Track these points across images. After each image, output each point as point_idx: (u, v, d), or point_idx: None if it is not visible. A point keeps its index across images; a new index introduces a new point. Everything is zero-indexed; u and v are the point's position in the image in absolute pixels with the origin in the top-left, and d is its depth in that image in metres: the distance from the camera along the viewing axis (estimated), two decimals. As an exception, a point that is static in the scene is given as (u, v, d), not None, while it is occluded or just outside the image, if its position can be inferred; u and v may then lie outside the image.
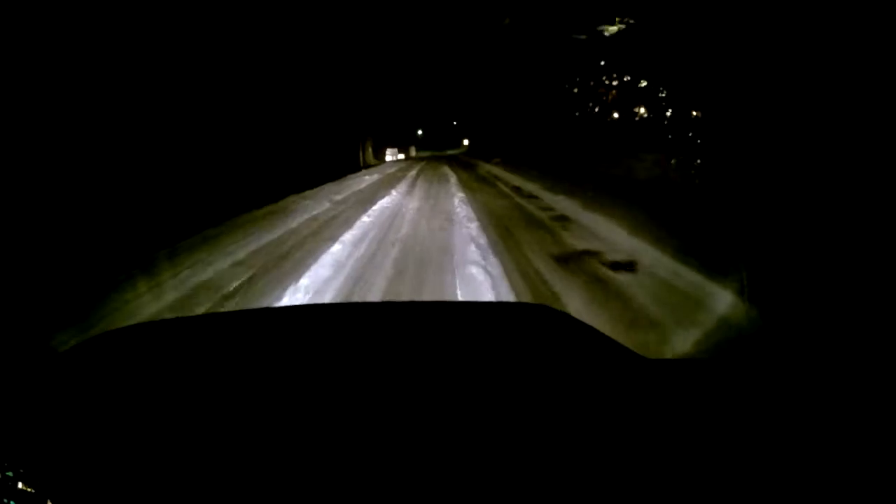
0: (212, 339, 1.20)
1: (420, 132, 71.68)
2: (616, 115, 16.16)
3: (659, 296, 4.08)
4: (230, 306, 4.27)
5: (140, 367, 1.01)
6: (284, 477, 0.66)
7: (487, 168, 22.79)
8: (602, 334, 1.12)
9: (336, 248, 6.28)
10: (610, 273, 4.80)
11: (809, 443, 0.72)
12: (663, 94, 12.67)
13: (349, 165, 23.29)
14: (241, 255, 6.07)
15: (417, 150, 62.24)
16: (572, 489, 0.64)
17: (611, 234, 6.48)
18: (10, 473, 0.62)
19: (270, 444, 0.73)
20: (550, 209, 8.96)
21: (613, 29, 15.74)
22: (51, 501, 0.61)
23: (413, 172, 21.15)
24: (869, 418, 0.77)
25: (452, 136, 71.13)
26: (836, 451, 0.70)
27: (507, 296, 4.13)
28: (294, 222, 8.48)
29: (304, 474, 0.67)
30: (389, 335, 1.15)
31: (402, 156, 44.88)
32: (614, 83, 17.02)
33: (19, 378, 0.97)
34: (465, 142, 70.63)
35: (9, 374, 0.98)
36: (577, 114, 20.58)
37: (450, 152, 62.59)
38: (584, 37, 16.54)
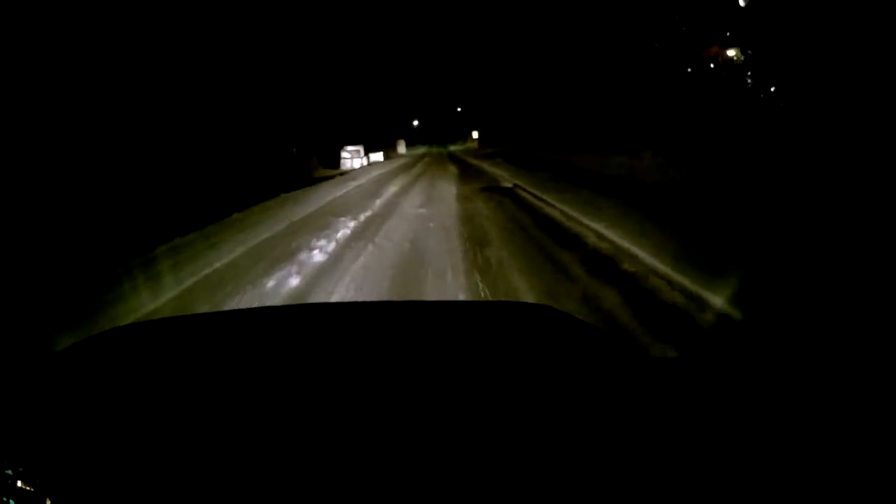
0: (211, 338, 1.21)
1: (416, 123, 59.81)
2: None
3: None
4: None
5: (139, 367, 1.03)
6: (284, 477, 0.67)
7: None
8: (604, 333, 1.15)
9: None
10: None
11: (808, 443, 0.73)
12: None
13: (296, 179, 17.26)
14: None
15: (409, 146, 50.03)
16: (576, 488, 0.65)
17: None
18: (9, 472, 0.63)
19: (270, 444, 0.73)
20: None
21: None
22: (50, 500, 0.62)
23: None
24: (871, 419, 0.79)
25: (457, 126, 58.75)
26: (836, 452, 0.72)
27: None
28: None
29: (304, 474, 0.68)
30: (391, 335, 1.15)
31: (369, 158, 29.31)
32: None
33: (19, 377, 0.99)
34: (475, 134, 56.50)
35: (8, 374, 1.00)
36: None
37: (452, 148, 50.63)
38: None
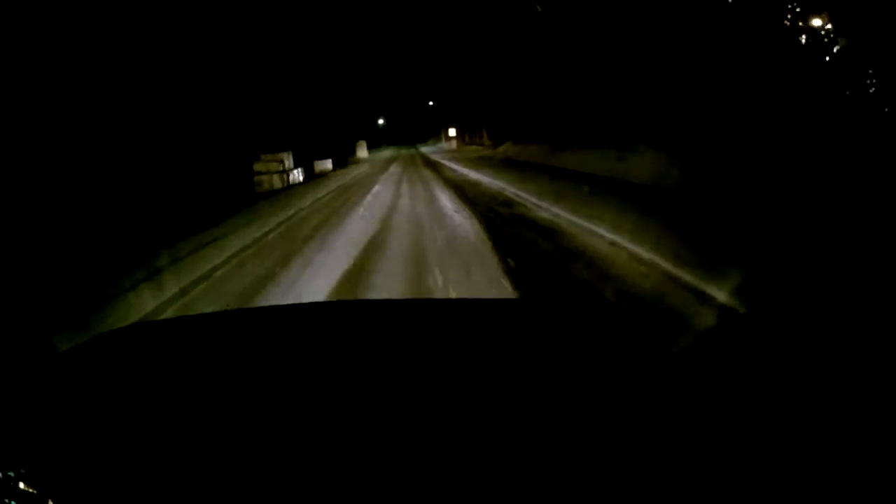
0: (212, 338, 1.21)
1: (381, 121, 54.23)
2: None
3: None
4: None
5: (140, 368, 1.02)
6: (286, 477, 0.67)
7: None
8: (606, 330, 1.15)
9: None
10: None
11: (809, 441, 0.74)
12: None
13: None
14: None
15: (373, 148, 44.39)
16: (579, 484, 0.66)
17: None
18: (11, 473, 0.63)
19: (272, 444, 0.73)
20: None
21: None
22: (52, 502, 0.62)
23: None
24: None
25: (427, 122, 52.94)
26: (834, 451, 0.72)
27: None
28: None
29: (307, 474, 0.68)
30: (393, 333, 1.16)
31: (315, 168, 23.48)
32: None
33: (20, 378, 0.98)
34: (452, 131, 50.46)
35: (9, 374, 0.99)
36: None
37: (424, 150, 45.12)
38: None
